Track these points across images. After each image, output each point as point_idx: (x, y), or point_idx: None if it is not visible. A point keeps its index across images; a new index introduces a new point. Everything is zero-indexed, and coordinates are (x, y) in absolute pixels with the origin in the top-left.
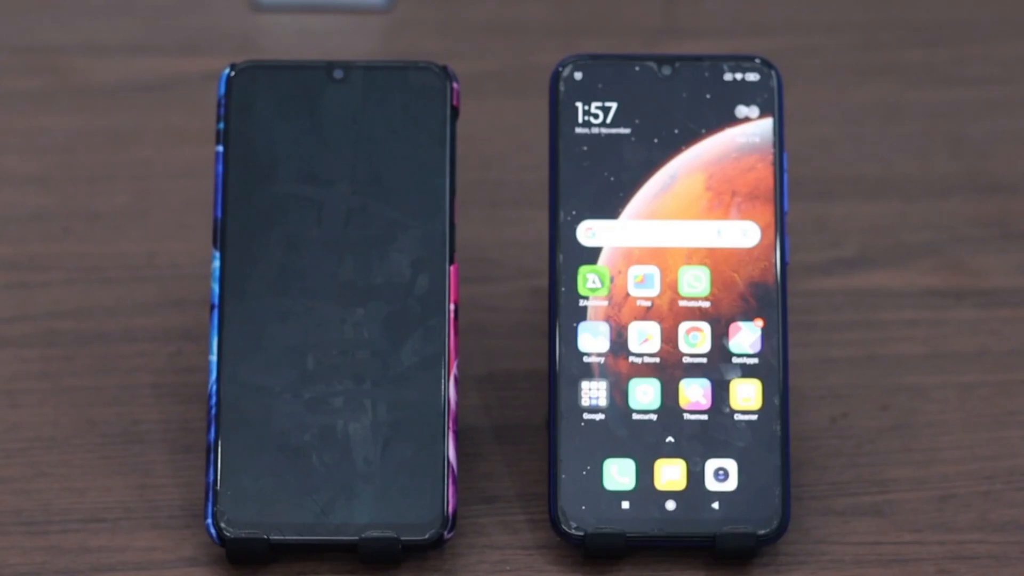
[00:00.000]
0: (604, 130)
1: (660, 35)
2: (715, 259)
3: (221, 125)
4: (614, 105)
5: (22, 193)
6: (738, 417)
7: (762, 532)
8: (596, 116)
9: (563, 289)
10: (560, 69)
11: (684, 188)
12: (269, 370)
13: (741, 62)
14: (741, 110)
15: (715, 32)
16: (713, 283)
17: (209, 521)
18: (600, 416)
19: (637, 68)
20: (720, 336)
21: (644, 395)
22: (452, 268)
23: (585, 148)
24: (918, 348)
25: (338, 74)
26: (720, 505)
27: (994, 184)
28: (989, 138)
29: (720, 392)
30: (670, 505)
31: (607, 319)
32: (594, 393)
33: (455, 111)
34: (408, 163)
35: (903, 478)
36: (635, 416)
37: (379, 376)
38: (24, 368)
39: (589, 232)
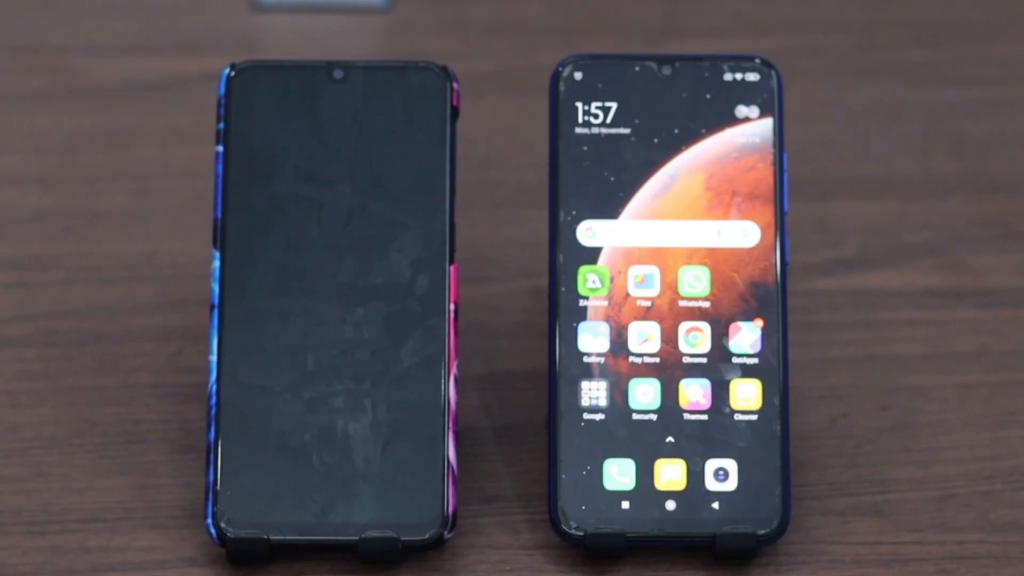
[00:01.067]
0: (604, 130)
1: (660, 35)
2: (715, 259)
3: (221, 125)
4: (614, 105)
5: (22, 193)
6: (738, 417)
7: (762, 532)
8: (596, 116)
9: (563, 289)
10: (560, 69)
11: (684, 188)
12: (269, 370)
13: (741, 62)
14: (741, 110)
15: (715, 32)
16: (713, 283)
17: (209, 521)
18: (600, 416)
19: (637, 68)
20: (720, 336)
21: (644, 395)
22: (452, 268)
23: (585, 148)
24: (918, 348)
25: (338, 74)
26: (720, 505)
27: (994, 184)
28: (989, 138)
29: (720, 392)
30: (670, 505)
31: (607, 319)
32: (594, 393)
33: (455, 111)
34: (408, 163)
35: (903, 478)
36: (635, 416)
37: (379, 376)
38: (24, 368)
39: (589, 232)
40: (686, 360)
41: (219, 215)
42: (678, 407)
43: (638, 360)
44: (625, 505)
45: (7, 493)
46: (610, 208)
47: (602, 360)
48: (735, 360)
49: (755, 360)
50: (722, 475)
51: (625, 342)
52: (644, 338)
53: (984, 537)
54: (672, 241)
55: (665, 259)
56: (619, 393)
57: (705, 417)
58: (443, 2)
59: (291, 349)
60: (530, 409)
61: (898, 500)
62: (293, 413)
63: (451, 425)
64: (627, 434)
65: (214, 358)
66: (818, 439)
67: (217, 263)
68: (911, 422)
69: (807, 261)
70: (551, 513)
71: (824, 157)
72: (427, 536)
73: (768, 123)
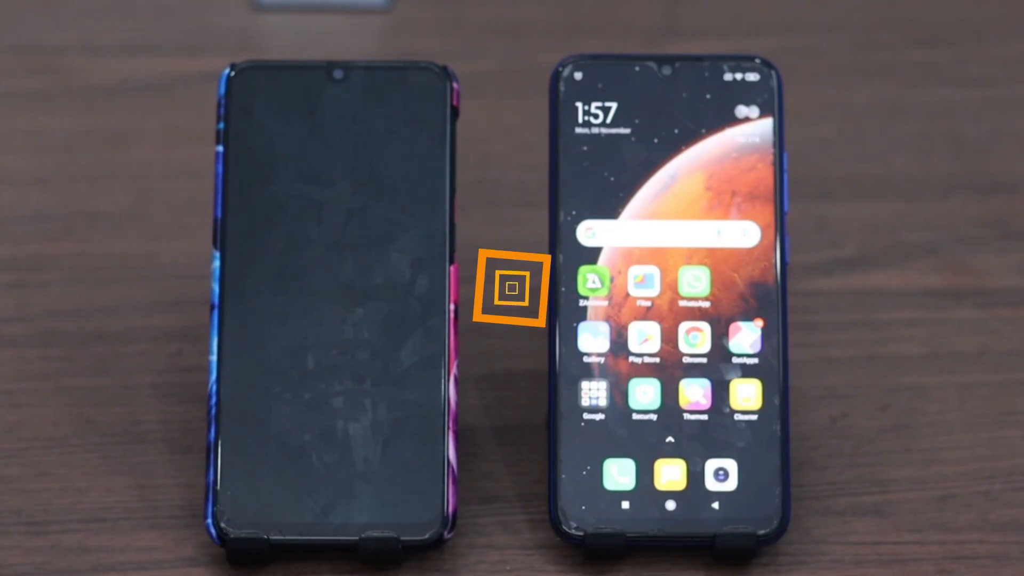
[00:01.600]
0: (604, 130)
1: (660, 35)
2: (715, 259)
3: (221, 125)
4: (614, 105)
5: (22, 193)
6: (738, 417)
7: (762, 532)
8: (596, 116)
9: (563, 289)
10: (560, 69)
11: (684, 188)
12: (269, 370)
13: (741, 62)
14: (741, 110)
15: (715, 32)
16: (713, 283)
17: (209, 521)
18: (600, 416)
19: (637, 68)
20: (720, 336)
21: (644, 395)
22: (452, 268)
23: (585, 148)
24: (918, 348)
25: (338, 74)
26: (720, 505)
27: (994, 184)
28: (989, 138)
29: (720, 392)
30: (670, 505)
31: (607, 319)
32: (594, 393)
33: (455, 111)
34: (408, 163)
35: (903, 478)
36: (635, 416)
37: (379, 376)
38: (24, 368)
39: (589, 232)
40: (686, 360)
41: (219, 215)
42: (678, 407)
43: (638, 360)
44: (625, 505)
45: (7, 493)
46: (610, 208)
47: (602, 360)
48: (735, 360)
49: (755, 360)
50: (722, 475)
51: (625, 342)
52: (644, 338)
53: (984, 537)
54: (672, 241)
55: (665, 259)
56: (619, 393)
57: (705, 417)
58: (443, 2)
59: (291, 349)
60: (530, 409)
61: (898, 500)
62: (293, 413)
63: (451, 425)
64: (627, 434)
65: (214, 358)
66: (818, 439)
67: (217, 263)
68: (911, 422)
69: (807, 261)
70: (551, 513)
71: (824, 157)
72: (427, 536)
73: (768, 123)
